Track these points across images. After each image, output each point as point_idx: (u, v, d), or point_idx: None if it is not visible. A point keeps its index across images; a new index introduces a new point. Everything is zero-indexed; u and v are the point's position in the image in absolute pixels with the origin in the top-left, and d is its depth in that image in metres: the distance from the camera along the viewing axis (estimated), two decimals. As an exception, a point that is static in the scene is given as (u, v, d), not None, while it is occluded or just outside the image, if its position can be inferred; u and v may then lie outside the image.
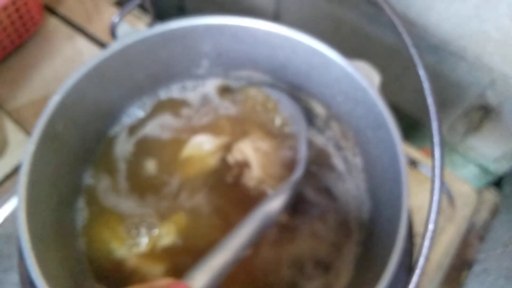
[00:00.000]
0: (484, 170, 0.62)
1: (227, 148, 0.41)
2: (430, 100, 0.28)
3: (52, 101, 0.33)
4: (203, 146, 0.41)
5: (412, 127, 0.63)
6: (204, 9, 0.75)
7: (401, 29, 0.28)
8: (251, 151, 0.39)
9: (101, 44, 0.60)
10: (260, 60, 0.41)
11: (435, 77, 0.56)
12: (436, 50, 0.53)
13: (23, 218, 0.29)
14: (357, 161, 0.41)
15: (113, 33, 0.36)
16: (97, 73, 0.35)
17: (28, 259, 0.28)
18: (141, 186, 0.40)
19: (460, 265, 0.45)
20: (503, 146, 0.57)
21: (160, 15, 0.44)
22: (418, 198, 0.40)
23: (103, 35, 0.61)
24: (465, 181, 0.49)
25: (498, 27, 0.46)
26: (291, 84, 0.42)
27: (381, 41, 0.56)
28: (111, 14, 0.63)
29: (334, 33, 0.61)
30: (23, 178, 0.30)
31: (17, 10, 0.54)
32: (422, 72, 0.27)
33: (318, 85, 0.40)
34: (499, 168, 0.60)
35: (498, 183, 0.60)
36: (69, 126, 0.35)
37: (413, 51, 0.27)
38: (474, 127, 0.58)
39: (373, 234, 0.37)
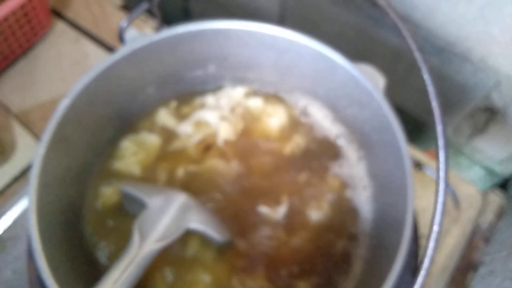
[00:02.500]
0: (490, 172, 0.62)
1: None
2: (434, 104, 0.28)
3: (62, 104, 0.33)
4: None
5: (418, 129, 0.63)
6: (209, 12, 0.75)
7: (405, 33, 0.28)
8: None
9: (108, 47, 0.61)
10: (266, 63, 0.41)
11: (440, 78, 0.56)
12: (441, 51, 0.53)
13: (34, 220, 0.30)
14: (362, 163, 0.41)
15: (121, 38, 0.37)
16: (105, 77, 0.36)
17: (38, 260, 0.29)
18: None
19: (465, 267, 0.45)
20: (508, 148, 0.57)
21: (166, 19, 0.44)
22: (423, 200, 0.40)
23: (109, 38, 0.62)
24: (470, 183, 0.49)
25: (503, 29, 0.46)
26: (296, 87, 0.43)
27: (385, 43, 0.56)
28: (117, 17, 0.64)
29: (338, 36, 0.61)
30: (33, 181, 0.31)
31: (25, 14, 0.55)
32: (426, 77, 0.28)
33: (323, 88, 0.40)
34: (504, 170, 0.60)
35: (503, 185, 0.60)
36: (78, 129, 0.36)
37: (418, 55, 0.28)
38: (480, 129, 0.58)
39: (378, 236, 0.37)
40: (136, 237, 0.31)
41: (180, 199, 0.35)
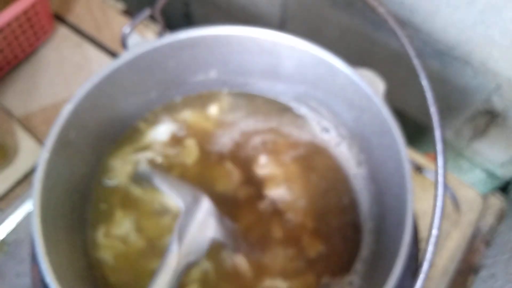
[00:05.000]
0: (491, 175, 0.62)
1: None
2: (433, 110, 0.28)
3: (65, 110, 0.34)
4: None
5: (418, 131, 0.63)
6: (211, 16, 0.76)
7: (404, 40, 0.28)
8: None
9: (110, 52, 0.61)
10: (267, 69, 0.41)
11: (440, 82, 0.56)
12: (441, 55, 0.53)
13: (38, 223, 0.30)
14: (363, 167, 0.41)
15: (124, 44, 0.37)
16: (108, 82, 0.36)
17: (42, 264, 0.29)
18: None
19: (466, 270, 0.46)
20: (509, 151, 0.57)
21: (167, 22, 0.45)
22: (424, 203, 0.40)
23: (111, 43, 0.62)
24: (470, 186, 0.49)
25: (503, 32, 0.46)
26: (297, 92, 0.43)
27: (386, 46, 0.57)
28: (119, 22, 0.64)
29: (339, 40, 0.61)
30: (37, 185, 0.31)
31: (28, 19, 0.55)
32: (425, 83, 0.28)
33: (324, 93, 0.40)
34: (505, 173, 0.60)
35: (504, 188, 0.60)
36: (82, 134, 0.36)
37: (416, 62, 0.28)
38: (480, 132, 0.58)
39: (378, 239, 0.37)
40: (174, 245, 0.31)
41: (205, 203, 0.33)
